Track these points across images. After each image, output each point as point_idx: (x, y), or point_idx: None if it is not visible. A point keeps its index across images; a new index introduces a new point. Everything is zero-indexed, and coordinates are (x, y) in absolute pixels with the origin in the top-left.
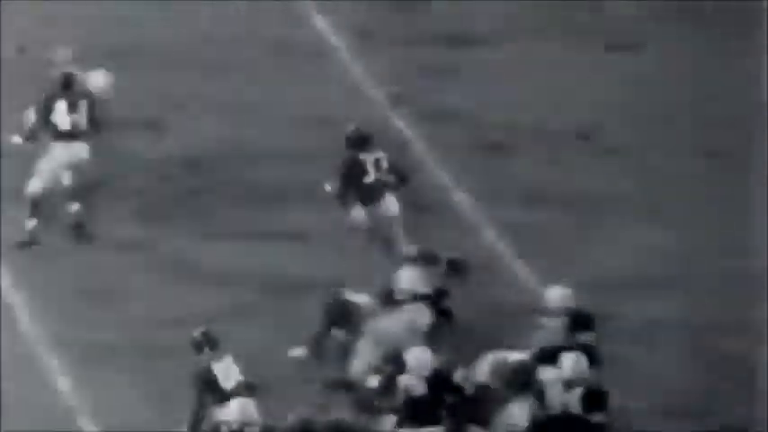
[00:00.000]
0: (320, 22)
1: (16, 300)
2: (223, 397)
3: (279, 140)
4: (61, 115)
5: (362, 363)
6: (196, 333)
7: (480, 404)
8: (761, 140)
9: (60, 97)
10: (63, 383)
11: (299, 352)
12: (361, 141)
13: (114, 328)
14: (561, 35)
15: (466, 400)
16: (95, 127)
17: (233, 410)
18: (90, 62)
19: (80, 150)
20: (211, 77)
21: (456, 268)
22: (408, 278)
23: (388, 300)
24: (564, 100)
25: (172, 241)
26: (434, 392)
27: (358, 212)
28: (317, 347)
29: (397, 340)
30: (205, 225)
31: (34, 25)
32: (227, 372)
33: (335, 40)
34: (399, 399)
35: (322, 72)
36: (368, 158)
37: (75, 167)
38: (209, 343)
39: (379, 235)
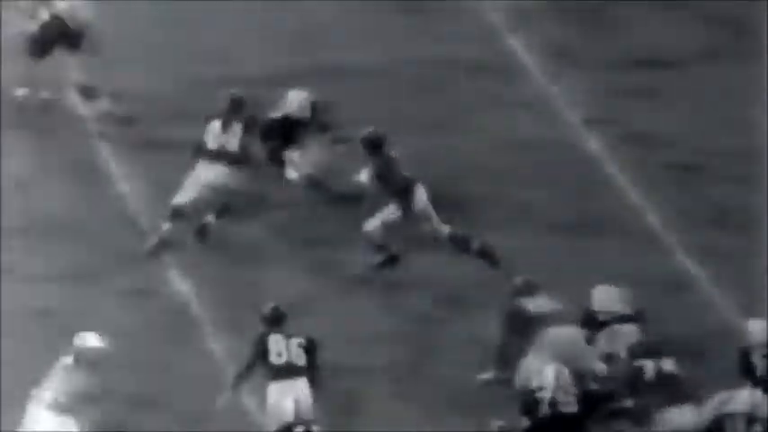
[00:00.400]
0: (514, 42)
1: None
2: (270, 370)
3: (474, 160)
4: (213, 134)
5: (531, 372)
6: (265, 308)
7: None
8: None
9: (222, 118)
10: None
11: (487, 375)
12: (379, 143)
13: None
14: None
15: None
16: (246, 153)
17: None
18: (291, 81)
19: (220, 173)
20: (409, 97)
21: (484, 255)
22: (606, 298)
23: (591, 322)
24: (758, 123)
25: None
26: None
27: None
28: (502, 359)
29: (571, 352)
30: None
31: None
32: (280, 348)
33: (529, 60)
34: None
35: (516, 92)
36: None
37: (216, 189)
38: (274, 318)
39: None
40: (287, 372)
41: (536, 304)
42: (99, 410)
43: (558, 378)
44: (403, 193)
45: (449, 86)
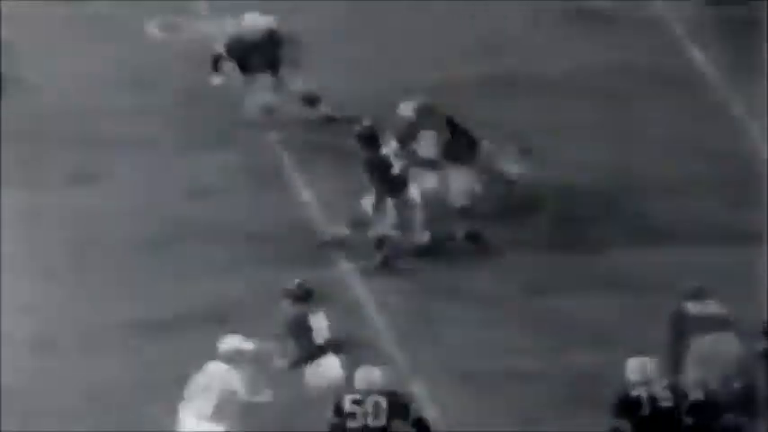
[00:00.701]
0: (696, 54)
1: None
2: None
3: (654, 171)
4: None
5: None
6: (290, 284)
7: None
8: None
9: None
10: None
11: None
12: (374, 138)
13: None
14: None
15: None
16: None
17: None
18: (475, 89)
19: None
20: (592, 107)
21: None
22: None
23: None
24: None
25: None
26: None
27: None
28: (670, 360)
29: (720, 360)
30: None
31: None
32: (319, 325)
33: (710, 71)
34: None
35: (698, 103)
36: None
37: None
38: (304, 294)
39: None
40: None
41: (698, 308)
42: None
43: (648, 371)
44: (397, 189)
45: (631, 95)
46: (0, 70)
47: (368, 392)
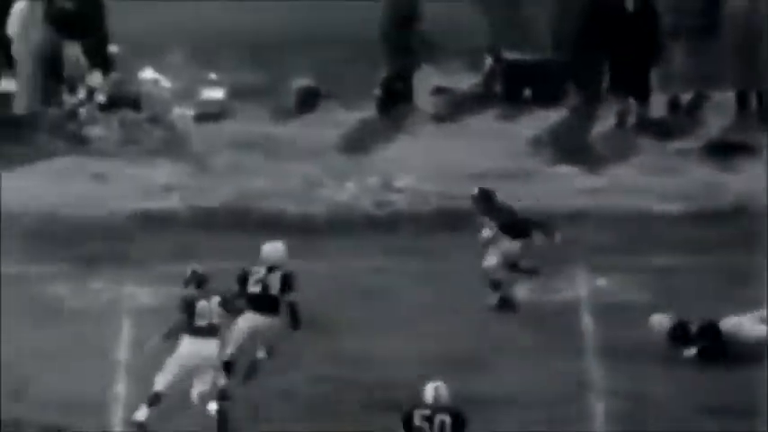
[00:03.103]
0: None
1: None
2: (192, 331)
3: None
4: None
5: None
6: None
7: None
8: None
9: None
10: None
11: None
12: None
13: None
14: None
15: None
16: None
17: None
18: None
19: None
20: None
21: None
22: None
23: None
24: None
25: None
26: None
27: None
28: None
29: None
30: None
31: None
32: (204, 311)
33: None
34: None
35: None
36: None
37: None
38: (196, 280)
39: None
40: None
41: None
42: None
43: None
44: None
45: None
46: None
47: (436, 409)
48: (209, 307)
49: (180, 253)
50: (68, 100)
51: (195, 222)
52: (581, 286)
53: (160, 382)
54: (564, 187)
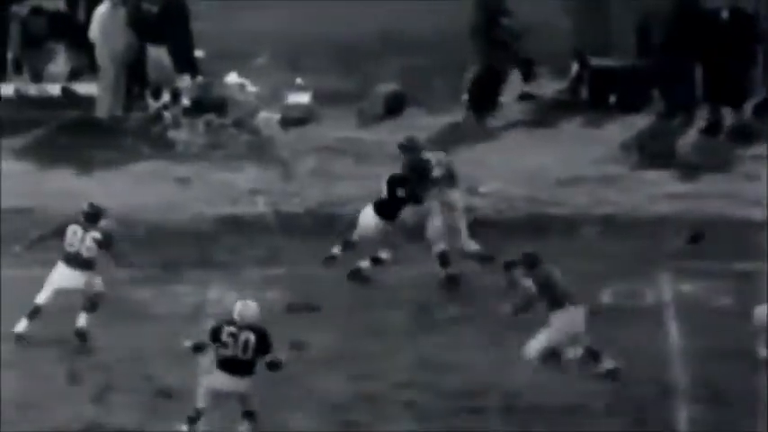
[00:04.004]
0: None
1: None
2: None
3: None
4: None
5: None
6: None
7: None
8: None
9: None
10: None
11: None
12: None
13: None
14: None
15: None
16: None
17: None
18: None
19: None
20: None
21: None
22: None
23: None
24: None
25: None
26: None
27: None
28: None
29: None
30: None
31: None
32: (73, 239)
33: None
34: None
35: None
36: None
37: None
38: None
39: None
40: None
41: None
42: None
43: None
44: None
45: None
46: None
47: (241, 326)
48: (81, 236)
49: (265, 258)
50: (153, 104)
51: (280, 227)
52: (665, 291)
53: (39, 298)
54: (650, 193)
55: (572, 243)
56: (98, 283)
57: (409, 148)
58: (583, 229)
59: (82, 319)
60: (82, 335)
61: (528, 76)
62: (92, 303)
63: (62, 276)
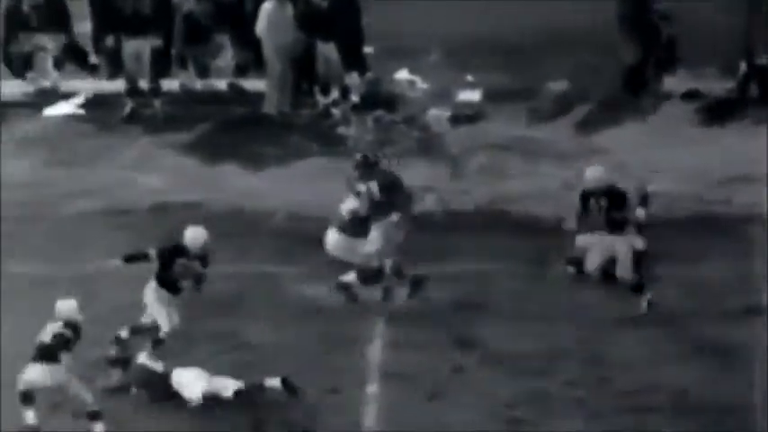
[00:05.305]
0: None
1: None
2: None
3: None
4: None
5: None
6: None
7: None
8: None
9: None
10: None
11: None
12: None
13: None
14: None
15: None
16: None
17: None
18: None
19: None
20: None
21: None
22: None
23: None
24: None
25: None
26: None
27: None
28: None
29: None
30: None
31: None
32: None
33: None
34: None
35: None
36: None
37: None
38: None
39: None
40: None
41: None
42: None
43: None
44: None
45: None
46: None
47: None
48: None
49: (434, 255)
50: (321, 100)
51: (451, 224)
52: None
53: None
54: None
55: (738, 243)
56: None
57: (369, 164)
58: (750, 228)
59: None
60: None
61: (668, 62)
62: None
63: None
